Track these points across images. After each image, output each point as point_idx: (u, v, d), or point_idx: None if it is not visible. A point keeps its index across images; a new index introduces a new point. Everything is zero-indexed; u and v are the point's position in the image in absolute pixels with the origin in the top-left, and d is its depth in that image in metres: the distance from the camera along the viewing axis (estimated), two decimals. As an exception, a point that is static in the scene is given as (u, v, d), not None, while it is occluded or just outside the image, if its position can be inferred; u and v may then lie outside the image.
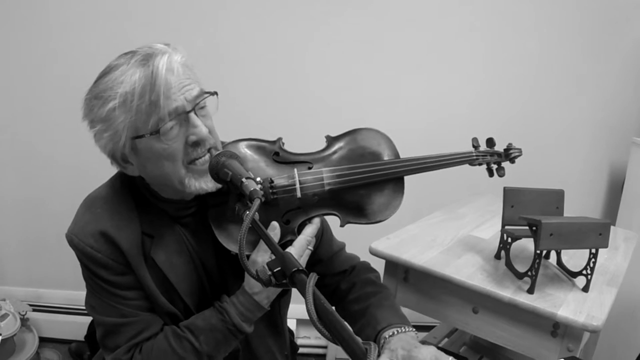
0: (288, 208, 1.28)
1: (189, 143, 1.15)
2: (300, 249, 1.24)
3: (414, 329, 1.28)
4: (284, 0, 2.63)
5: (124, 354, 1.22)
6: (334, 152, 1.36)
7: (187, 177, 1.18)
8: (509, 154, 1.52)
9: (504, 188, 1.69)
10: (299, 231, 1.28)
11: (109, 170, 1.28)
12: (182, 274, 1.27)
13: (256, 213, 0.98)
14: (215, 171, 1.13)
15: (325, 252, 1.50)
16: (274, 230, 1.24)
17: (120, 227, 1.20)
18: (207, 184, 1.20)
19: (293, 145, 1.35)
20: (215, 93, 1.21)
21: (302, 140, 1.44)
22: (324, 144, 1.37)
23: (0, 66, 2.64)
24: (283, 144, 1.34)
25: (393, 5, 2.67)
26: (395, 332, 1.25)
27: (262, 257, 1.21)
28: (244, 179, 1.07)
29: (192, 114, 1.14)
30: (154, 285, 1.23)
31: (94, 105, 1.14)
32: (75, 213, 1.26)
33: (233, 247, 1.24)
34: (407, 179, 1.35)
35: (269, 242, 0.98)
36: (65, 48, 2.60)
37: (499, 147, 1.52)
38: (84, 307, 1.28)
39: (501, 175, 1.51)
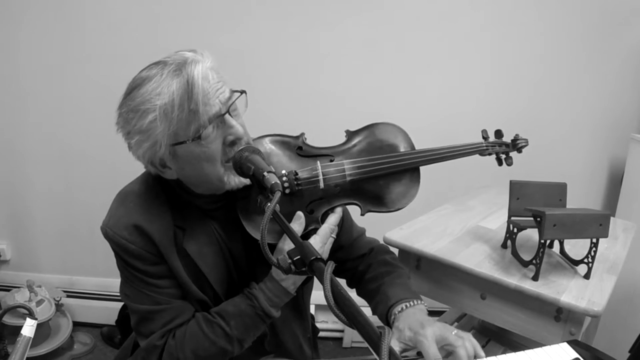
0: (312, 198, 1.29)
1: (227, 143, 1.15)
2: (324, 237, 1.25)
3: (423, 302, 1.27)
4: (304, 5, 2.63)
5: (158, 340, 1.22)
6: (354, 145, 1.36)
7: (226, 174, 1.17)
8: (516, 144, 1.51)
9: (510, 181, 1.68)
10: (323, 220, 1.29)
11: (138, 166, 1.26)
12: (212, 264, 1.28)
13: (277, 205, 0.98)
14: (239, 165, 1.13)
15: (346, 239, 1.50)
16: (299, 219, 1.24)
17: (152, 220, 1.20)
18: (246, 179, 1.19)
19: (313, 141, 1.36)
20: (244, 92, 1.19)
21: (322, 136, 1.43)
22: (343, 138, 1.38)
23: (37, 68, 2.67)
24: (305, 138, 1.35)
25: (407, 8, 2.66)
26: (404, 307, 1.24)
27: (288, 245, 1.21)
28: (265, 173, 1.07)
29: (227, 116, 1.13)
30: (186, 274, 1.24)
31: (131, 118, 1.11)
32: (107, 206, 1.26)
33: (259, 237, 1.24)
34: (420, 173, 1.35)
35: (289, 232, 0.98)
36: (98, 50, 2.62)
37: (507, 139, 1.52)
38: (115, 293, 1.29)
39: (509, 164, 1.51)
